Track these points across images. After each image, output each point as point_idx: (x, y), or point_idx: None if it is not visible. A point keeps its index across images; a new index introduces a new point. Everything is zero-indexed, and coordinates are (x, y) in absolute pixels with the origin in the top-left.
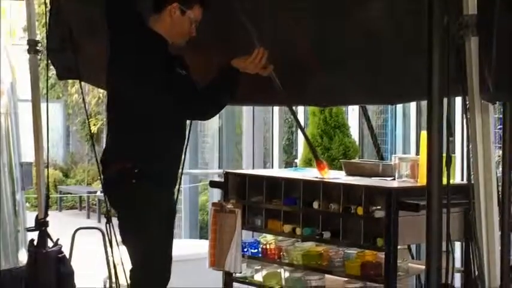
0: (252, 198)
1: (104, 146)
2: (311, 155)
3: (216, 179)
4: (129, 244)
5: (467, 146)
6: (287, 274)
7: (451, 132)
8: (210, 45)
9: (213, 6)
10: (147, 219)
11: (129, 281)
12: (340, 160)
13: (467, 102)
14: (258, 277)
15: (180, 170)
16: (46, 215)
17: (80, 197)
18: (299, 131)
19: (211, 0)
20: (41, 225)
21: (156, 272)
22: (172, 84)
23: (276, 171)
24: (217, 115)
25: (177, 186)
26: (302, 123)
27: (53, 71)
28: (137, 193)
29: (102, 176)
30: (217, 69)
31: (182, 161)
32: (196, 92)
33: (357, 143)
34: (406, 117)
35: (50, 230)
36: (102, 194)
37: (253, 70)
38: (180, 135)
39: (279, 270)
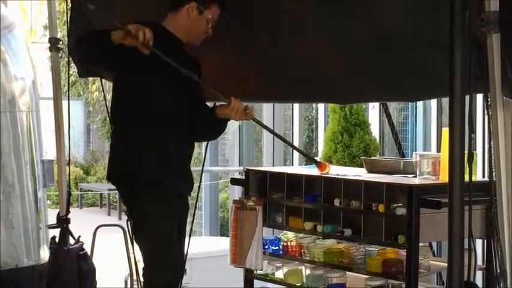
0: (272, 195)
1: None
2: (332, 152)
3: (237, 176)
4: (140, 243)
5: (489, 143)
6: (308, 271)
7: (472, 129)
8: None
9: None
10: (157, 219)
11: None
12: (361, 157)
13: (489, 99)
14: (279, 274)
15: (191, 171)
16: (67, 212)
17: (101, 194)
18: (319, 129)
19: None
20: (63, 222)
21: (167, 272)
22: (183, 90)
23: (297, 168)
24: None
25: (192, 186)
26: (322, 120)
27: (74, 69)
28: (147, 194)
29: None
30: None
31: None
32: (197, 114)
33: (378, 140)
34: (427, 115)
35: (71, 227)
36: None
37: (236, 117)
38: (188, 139)
39: (300, 268)
